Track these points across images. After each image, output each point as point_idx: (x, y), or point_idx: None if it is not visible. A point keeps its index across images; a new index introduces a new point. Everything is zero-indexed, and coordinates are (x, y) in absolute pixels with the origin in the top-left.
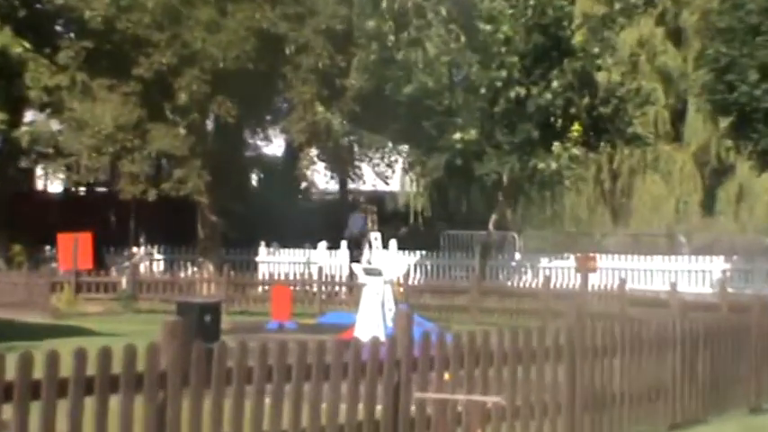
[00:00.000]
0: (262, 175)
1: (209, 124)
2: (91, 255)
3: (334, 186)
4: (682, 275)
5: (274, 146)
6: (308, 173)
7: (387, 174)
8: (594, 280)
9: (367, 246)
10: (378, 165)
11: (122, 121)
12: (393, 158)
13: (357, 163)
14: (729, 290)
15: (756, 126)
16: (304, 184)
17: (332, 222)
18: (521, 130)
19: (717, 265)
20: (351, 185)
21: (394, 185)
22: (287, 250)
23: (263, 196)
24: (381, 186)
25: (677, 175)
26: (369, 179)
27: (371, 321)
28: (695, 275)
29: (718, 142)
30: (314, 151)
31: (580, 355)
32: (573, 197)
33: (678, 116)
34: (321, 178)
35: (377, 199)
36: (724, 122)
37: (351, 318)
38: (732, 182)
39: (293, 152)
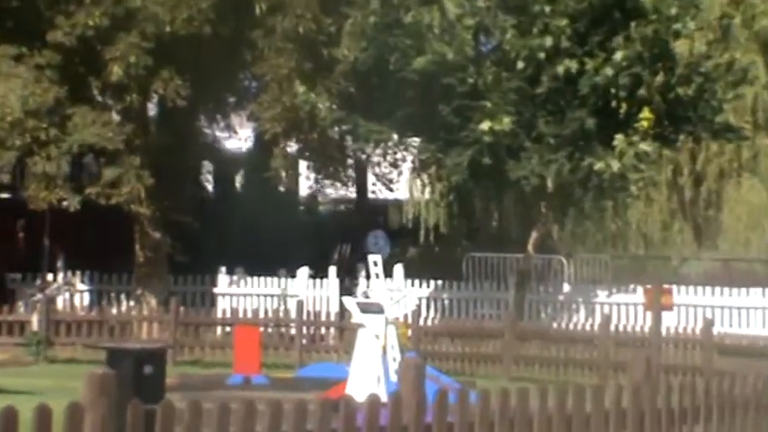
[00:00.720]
0: (228, 178)
1: (152, 108)
2: None
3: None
4: None
5: (240, 138)
6: (283, 173)
7: (390, 176)
8: (670, 320)
9: (363, 273)
10: (378, 164)
11: (34, 103)
12: (399, 156)
13: (350, 161)
14: None
15: None
16: (306, 191)
17: (331, 242)
18: (571, 119)
19: None
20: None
21: (400, 192)
22: (256, 279)
23: (226, 206)
24: (384, 193)
25: None
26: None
27: (369, 375)
28: None
29: None
30: (293, 145)
31: (650, 420)
32: (641, 209)
33: None
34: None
35: (376, 210)
36: None
37: (341, 370)
38: None
39: (265, 147)
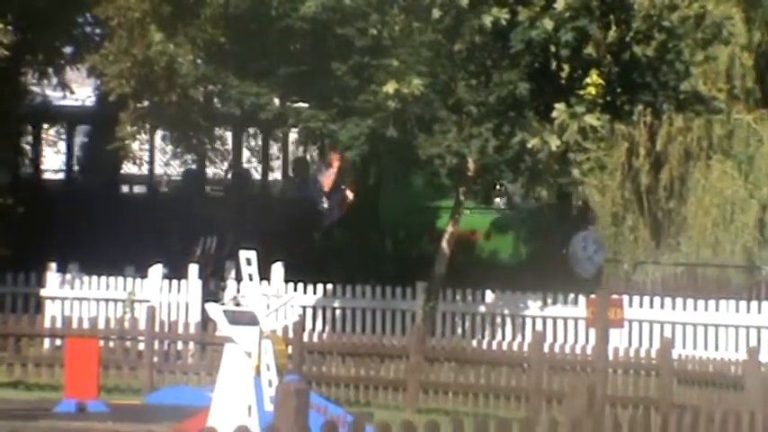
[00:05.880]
0: (59, 149)
1: None
2: None
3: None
4: None
5: (78, 99)
6: (134, 145)
7: (270, 150)
8: (619, 340)
9: (233, 274)
10: (255, 135)
11: None
12: (281, 125)
13: (219, 131)
14: None
15: None
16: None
17: (194, 233)
18: (499, 83)
19: None
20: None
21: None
22: (95, 279)
23: (59, 185)
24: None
25: (764, 163)
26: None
27: (237, 403)
28: None
29: None
30: (146, 109)
31: None
32: (586, 198)
33: None
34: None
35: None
36: None
37: (201, 396)
38: None
39: (111, 110)
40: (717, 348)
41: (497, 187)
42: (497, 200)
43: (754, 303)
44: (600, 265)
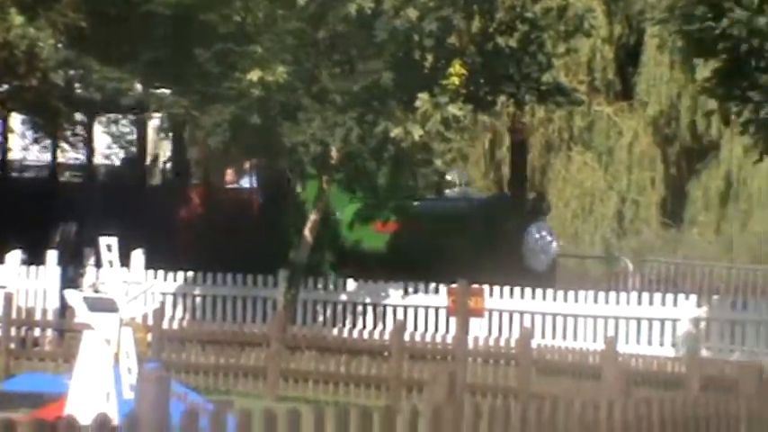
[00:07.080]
0: None
1: None
2: None
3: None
4: (625, 325)
5: None
6: None
7: (130, 136)
8: (480, 329)
9: (92, 260)
10: (115, 121)
11: None
12: (141, 111)
13: (79, 117)
14: (704, 352)
15: (757, 77)
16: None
17: (38, 217)
18: (363, 72)
19: (684, 310)
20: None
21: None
22: None
23: None
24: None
25: (623, 155)
26: (100, 144)
27: (96, 390)
28: (648, 326)
29: (693, 103)
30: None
31: None
32: (543, 188)
33: (629, 57)
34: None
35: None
36: (704, 70)
37: (59, 383)
38: (714, 170)
39: None
40: (575, 338)
41: (446, 177)
42: (447, 190)
43: (612, 294)
44: (554, 257)
